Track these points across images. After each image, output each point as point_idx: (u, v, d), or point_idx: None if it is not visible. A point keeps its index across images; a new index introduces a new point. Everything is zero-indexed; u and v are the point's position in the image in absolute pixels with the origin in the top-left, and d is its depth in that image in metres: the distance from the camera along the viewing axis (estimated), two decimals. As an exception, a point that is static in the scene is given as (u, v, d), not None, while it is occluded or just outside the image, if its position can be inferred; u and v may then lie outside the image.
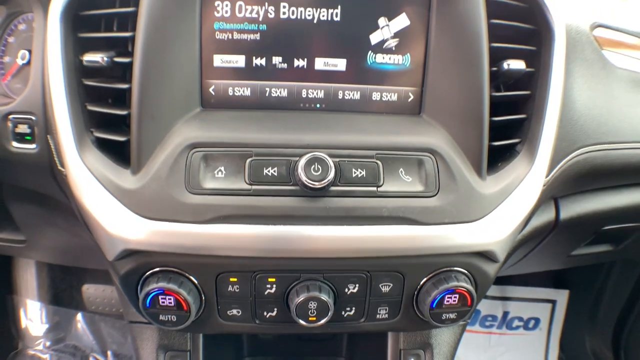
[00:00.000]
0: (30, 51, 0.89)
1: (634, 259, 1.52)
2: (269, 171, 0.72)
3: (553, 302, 1.68)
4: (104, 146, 0.75)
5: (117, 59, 0.73)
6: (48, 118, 0.77)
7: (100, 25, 0.77)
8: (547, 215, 1.04)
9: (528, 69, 0.81)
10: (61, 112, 0.74)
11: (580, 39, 0.95)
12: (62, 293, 1.71)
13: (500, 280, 1.58)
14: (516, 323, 1.79)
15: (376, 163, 0.74)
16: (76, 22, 0.75)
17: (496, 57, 0.79)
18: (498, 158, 0.82)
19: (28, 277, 1.71)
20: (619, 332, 1.68)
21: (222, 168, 0.72)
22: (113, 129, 0.76)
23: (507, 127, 0.82)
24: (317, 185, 0.70)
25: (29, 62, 0.89)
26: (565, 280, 1.64)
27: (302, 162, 0.70)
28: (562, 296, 1.66)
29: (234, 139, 0.73)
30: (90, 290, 1.62)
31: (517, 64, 0.80)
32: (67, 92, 0.74)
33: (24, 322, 1.74)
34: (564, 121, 0.87)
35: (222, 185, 0.71)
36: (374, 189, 0.73)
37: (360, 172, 0.73)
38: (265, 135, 0.74)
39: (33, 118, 0.81)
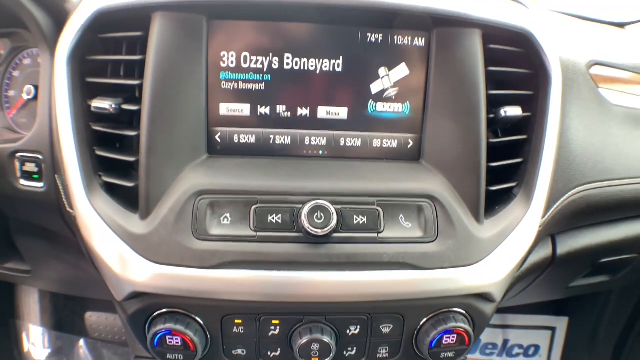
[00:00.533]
0: (36, 87, 0.90)
1: (632, 286, 1.52)
2: (273, 218, 0.74)
3: (553, 329, 1.69)
4: (113, 190, 0.76)
5: (125, 107, 0.75)
6: (56, 158, 0.78)
7: (108, 70, 0.79)
8: (544, 252, 1.05)
9: (525, 114, 0.82)
10: (70, 157, 0.75)
11: (577, 79, 0.96)
12: (64, 319, 1.71)
13: (500, 309, 1.59)
14: (516, 351, 1.80)
15: (377, 210, 0.76)
16: (84, 67, 0.76)
17: (493, 102, 0.82)
18: (495, 201, 0.83)
19: (31, 303, 1.71)
20: (618, 357, 1.68)
21: (228, 215, 0.73)
22: (121, 173, 0.77)
23: (503, 171, 0.84)
24: (320, 232, 0.72)
25: (34, 98, 0.90)
26: (565, 307, 1.65)
27: (306, 210, 0.72)
28: (561, 323, 1.67)
29: (239, 187, 0.74)
30: (92, 318, 1.62)
31: (513, 111, 0.82)
32: (75, 136, 0.75)
33: (26, 347, 1.74)
34: (560, 162, 0.89)
35: (228, 231, 0.73)
36: (375, 235, 0.75)
37: (362, 219, 0.75)
38: (269, 182, 0.75)
39: (40, 157, 0.82)
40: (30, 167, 0.83)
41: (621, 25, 1.39)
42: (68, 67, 0.75)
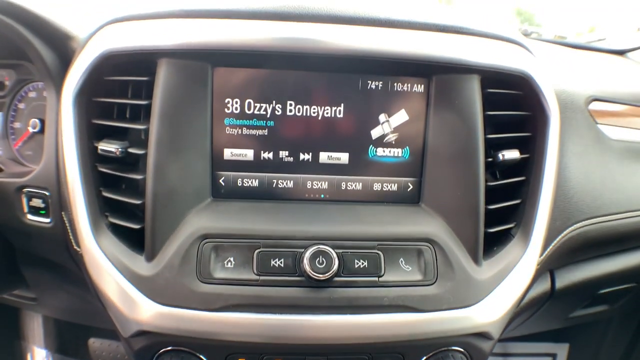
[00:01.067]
0: (41, 120, 0.92)
1: (632, 312, 1.53)
2: (275, 262, 0.75)
3: (553, 356, 1.69)
4: (119, 231, 0.78)
5: (131, 150, 0.76)
6: (62, 196, 0.79)
7: (114, 112, 0.80)
8: (542, 286, 1.06)
9: (523, 155, 0.83)
10: (77, 197, 0.76)
11: (575, 116, 0.97)
12: (68, 343, 1.72)
13: (501, 339, 1.59)
14: (518, 378, 1.79)
15: (377, 254, 0.77)
16: (90, 108, 0.78)
17: (491, 144, 0.83)
18: (493, 241, 0.84)
19: (35, 326, 1.72)
20: (618, 382, 1.68)
21: (232, 259, 0.75)
22: (127, 214, 0.78)
23: (501, 212, 0.85)
24: (322, 277, 0.73)
25: (40, 131, 0.92)
26: (565, 333, 1.66)
27: (307, 254, 0.74)
28: (562, 350, 1.67)
29: (243, 231, 0.75)
30: (96, 344, 1.63)
31: (511, 154, 0.83)
32: (82, 177, 0.77)
33: (30, 368, 1.75)
34: (558, 201, 0.90)
35: (232, 275, 0.74)
36: (376, 279, 0.77)
37: (363, 263, 0.77)
38: (272, 226, 0.76)
39: (47, 193, 0.83)
40: (37, 202, 0.85)
41: (621, 52, 1.41)
42: (74, 109, 0.77)
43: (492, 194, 0.82)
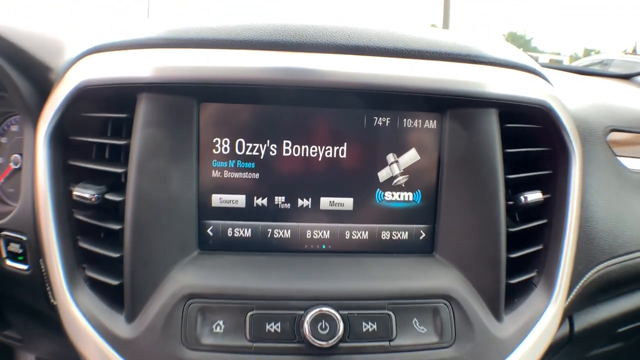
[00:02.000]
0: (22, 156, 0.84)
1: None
2: (271, 327, 0.66)
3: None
4: (97, 286, 0.70)
5: (108, 196, 0.69)
6: (39, 242, 0.72)
7: (93, 152, 0.73)
8: (560, 332, 0.98)
9: (545, 196, 0.77)
10: (51, 246, 0.69)
11: (595, 149, 0.92)
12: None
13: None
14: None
15: (388, 315, 0.69)
16: (66, 147, 0.71)
17: (510, 185, 0.76)
18: (514, 292, 0.77)
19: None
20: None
21: (221, 322, 0.66)
22: (106, 267, 0.71)
23: (521, 259, 0.77)
24: (325, 345, 0.64)
25: (21, 168, 0.84)
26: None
27: (308, 318, 0.65)
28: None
29: (234, 289, 0.67)
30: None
31: (534, 196, 0.76)
32: (56, 224, 0.69)
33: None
34: (580, 243, 0.82)
35: (221, 341, 0.65)
36: (387, 343, 0.68)
37: (372, 326, 0.68)
38: (267, 284, 0.68)
39: (24, 238, 0.76)
40: (14, 247, 0.78)
41: (627, 77, 1.37)
42: (49, 148, 0.69)
43: (512, 240, 0.75)
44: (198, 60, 0.66)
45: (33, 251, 0.75)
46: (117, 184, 0.70)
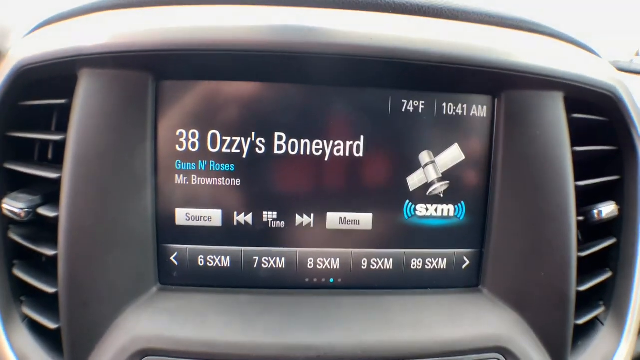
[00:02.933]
0: None
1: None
2: None
3: None
4: (36, 326, 0.59)
5: (41, 211, 0.56)
6: None
7: (35, 150, 0.62)
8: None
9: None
10: None
11: None
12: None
13: None
14: None
15: None
16: (4, 146, 0.60)
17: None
18: (577, 333, 0.64)
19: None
20: None
21: None
22: (46, 303, 0.59)
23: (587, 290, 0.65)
24: None
25: None
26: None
27: None
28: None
29: (205, 345, 0.53)
30: None
31: (608, 209, 0.63)
32: None
33: None
34: None
35: None
36: None
37: None
38: (251, 336, 0.53)
39: None
40: None
41: None
42: None
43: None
44: (153, 20, 0.53)
45: None
46: (56, 193, 0.57)
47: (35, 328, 0.59)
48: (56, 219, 0.55)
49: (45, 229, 0.59)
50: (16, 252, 0.60)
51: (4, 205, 0.58)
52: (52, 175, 0.56)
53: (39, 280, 0.58)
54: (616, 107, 0.62)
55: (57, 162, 0.59)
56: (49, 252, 0.56)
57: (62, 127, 0.58)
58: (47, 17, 0.61)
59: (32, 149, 0.62)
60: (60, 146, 0.57)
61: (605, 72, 0.62)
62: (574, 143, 0.61)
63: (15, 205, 0.56)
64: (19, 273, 0.59)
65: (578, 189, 0.61)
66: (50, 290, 0.56)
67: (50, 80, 0.57)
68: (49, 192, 0.59)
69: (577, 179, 0.61)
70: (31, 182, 0.60)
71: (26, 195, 0.58)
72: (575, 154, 0.60)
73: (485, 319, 0.59)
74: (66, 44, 0.54)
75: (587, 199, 0.64)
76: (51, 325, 0.57)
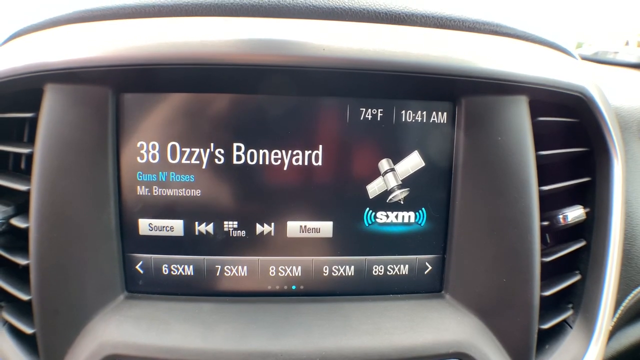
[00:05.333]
0: None
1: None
2: None
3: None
4: (15, 331, 0.59)
5: (14, 222, 0.56)
6: None
7: (9, 161, 0.62)
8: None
9: (586, 210, 0.64)
10: None
11: (630, 148, 0.80)
12: None
13: None
14: None
15: None
16: None
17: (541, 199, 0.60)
18: (544, 337, 0.63)
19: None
20: None
21: None
22: (25, 309, 0.59)
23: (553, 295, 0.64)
24: None
25: None
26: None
27: None
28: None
29: (169, 351, 0.53)
30: None
31: (575, 213, 0.62)
32: None
33: None
34: (621, 269, 0.68)
35: None
36: None
37: None
38: (214, 343, 0.53)
39: None
40: None
41: (637, 66, 1.24)
42: None
43: (542, 270, 0.60)
44: (110, 34, 0.53)
45: None
46: (27, 204, 0.57)
47: (14, 332, 0.59)
48: (27, 229, 0.55)
49: (20, 238, 0.59)
50: None
51: None
52: (22, 187, 0.56)
53: (15, 288, 0.58)
54: (586, 107, 0.60)
55: (28, 173, 0.58)
56: (22, 262, 0.56)
57: (33, 140, 0.57)
58: (15, 30, 0.60)
59: (5, 159, 0.62)
60: (31, 158, 0.57)
61: (574, 72, 0.60)
62: (542, 146, 0.59)
63: None
64: None
65: (543, 194, 0.59)
66: (24, 297, 0.56)
67: (18, 93, 0.57)
68: (22, 203, 0.58)
69: (546, 182, 0.60)
70: (5, 192, 0.59)
71: (0, 207, 0.58)
72: (540, 158, 0.59)
73: (446, 325, 0.58)
74: (30, 59, 0.54)
75: (560, 201, 0.63)
76: (27, 330, 0.57)
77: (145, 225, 0.57)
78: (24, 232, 0.57)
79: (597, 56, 1.35)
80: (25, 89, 0.56)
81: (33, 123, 0.57)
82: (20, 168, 0.61)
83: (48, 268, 0.55)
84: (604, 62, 1.34)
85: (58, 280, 0.56)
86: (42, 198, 0.54)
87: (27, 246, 0.57)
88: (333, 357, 0.54)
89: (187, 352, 0.52)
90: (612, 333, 0.80)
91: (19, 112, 0.57)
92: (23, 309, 0.59)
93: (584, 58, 1.35)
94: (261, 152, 0.55)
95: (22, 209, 0.58)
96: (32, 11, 0.63)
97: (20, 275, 0.60)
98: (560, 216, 0.61)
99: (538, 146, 0.59)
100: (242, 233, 0.58)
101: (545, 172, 0.61)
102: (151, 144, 0.55)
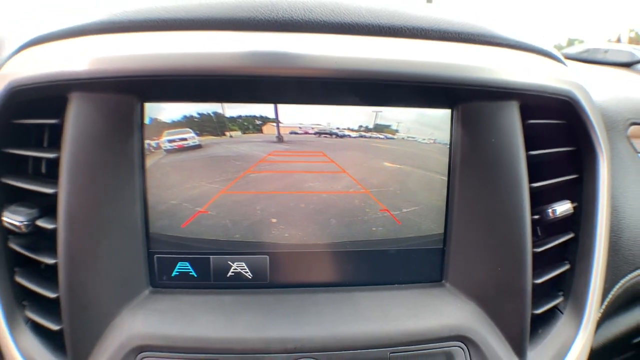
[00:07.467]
0: None
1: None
2: None
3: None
4: (39, 328, 0.61)
5: (40, 223, 0.58)
6: None
7: (28, 167, 0.64)
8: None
9: (573, 205, 0.67)
10: None
11: (617, 146, 0.82)
12: None
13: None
14: None
15: None
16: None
17: (532, 195, 0.64)
18: (537, 322, 0.67)
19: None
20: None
21: None
22: (48, 307, 0.61)
23: (546, 282, 0.67)
24: None
25: None
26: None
27: None
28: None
29: (195, 340, 0.56)
30: None
31: (563, 208, 0.66)
32: None
33: None
34: (609, 259, 0.74)
35: None
36: None
37: None
38: (236, 332, 0.56)
39: None
40: None
41: (627, 65, 1.27)
42: None
43: (534, 259, 0.64)
44: (138, 45, 0.55)
45: None
46: (52, 206, 0.58)
47: (38, 330, 0.61)
48: (54, 230, 0.57)
49: (42, 238, 0.61)
50: (16, 259, 0.62)
51: (4, 219, 0.59)
52: (48, 190, 0.57)
53: (40, 286, 0.59)
54: (573, 109, 0.63)
55: (50, 176, 0.60)
56: (49, 261, 0.58)
57: (54, 144, 0.59)
58: (37, 36, 0.61)
59: (25, 163, 0.63)
60: (52, 162, 0.59)
61: (561, 76, 0.63)
62: (534, 146, 0.63)
63: (15, 219, 0.58)
64: (21, 280, 0.61)
65: (534, 190, 0.63)
66: (51, 295, 0.58)
67: (41, 100, 0.58)
68: (46, 205, 0.59)
69: (536, 179, 0.63)
70: (25, 194, 0.61)
71: (24, 209, 0.59)
72: (531, 157, 0.63)
73: (447, 311, 0.61)
74: (56, 67, 0.55)
75: (552, 197, 0.67)
76: (54, 327, 0.59)
77: None
78: (47, 233, 0.58)
79: (587, 54, 1.38)
80: (48, 97, 0.57)
81: (54, 128, 0.59)
82: (41, 171, 0.63)
83: (76, 266, 0.57)
84: (594, 61, 1.37)
85: (86, 278, 0.57)
86: (70, 200, 0.56)
87: (50, 246, 0.58)
88: (346, 342, 0.57)
89: (212, 341, 0.55)
90: (602, 320, 0.83)
91: (42, 119, 0.59)
92: (46, 307, 0.61)
93: (575, 58, 1.38)
94: (281, 152, 0.59)
95: (45, 211, 0.60)
96: (51, 18, 0.64)
97: (42, 274, 0.62)
98: (550, 210, 0.64)
99: (530, 146, 0.62)
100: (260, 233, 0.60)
101: (538, 169, 0.65)
102: None
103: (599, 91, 0.88)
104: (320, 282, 0.63)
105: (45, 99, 0.57)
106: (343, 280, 0.63)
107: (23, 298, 0.62)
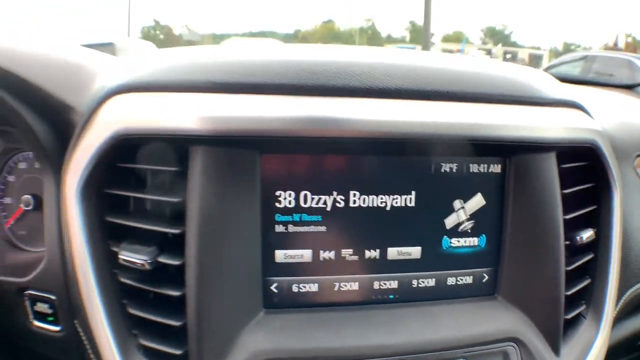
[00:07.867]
0: (34, 196, 0.79)
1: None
2: None
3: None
4: (154, 355, 0.64)
5: (163, 260, 0.62)
6: (73, 300, 0.65)
7: (130, 204, 0.67)
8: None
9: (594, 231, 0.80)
10: (95, 312, 0.62)
11: (626, 177, 0.94)
12: None
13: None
14: None
15: None
16: (101, 201, 0.64)
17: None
18: (566, 326, 0.79)
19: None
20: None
21: None
22: (161, 333, 0.65)
23: (573, 294, 0.80)
24: None
25: (35, 209, 0.79)
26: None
27: None
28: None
29: (312, 351, 0.64)
30: None
31: (587, 234, 0.79)
32: (99, 288, 0.62)
33: None
34: (621, 273, 0.85)
35: None
36: None
37: None
38: (343, 342, 0.66)
39: (53, 297, 0.69)
40: (42, 307, 0.71)
41: (629, 87, 1.38)
42: (81, 204, 0.62)
43: (565, 276, 0.77)
44: (258, 109, 0.61)
45: (65, 311, 0.69)
46: (169, 243, 0.63)
47: (152, 356, 0.64)
48: (179, 266, 0.62)
49: (155, 274, 0.64)
50: (124, 293, 0.65)
51: (121, 257, 0.62)
52: (175, 230, 0.62)
53: (162, 316, 0.63)
54: (595, 153, 0.75)
55: (160, 216, 0.65)
56: (175, 293, 0.62)
57: (161, 187, 0.65)
58: (138, 82, 0.63)
59: (123, 202, 0.66)
60: (164, 204, 0.64)
61: (588, 127, 0.74)
62: (563, 185, 0.75)
63: (137, 257, 0.61)
64: (135, 311, 0.64)
65: (565, 221, 0.76)
66: (177, 323, 0.62)
67: (152, 149, 0.62)
68: (160, 242, 0.63)
69: (565, 212, 0.75)
70: (129, 231, 0.64)
71: (140, 247, 0.62)
72: (564, 195, 0.75)
73: (501, 318, 0.72)
74: (179, 123, 0.58)
75: (573, 224, 0.76)
76: (177, 351, 0.62)
77: (281, 255, 0.67)
78: (160, 269, 0.63)
79: (585, 59, 1.48)
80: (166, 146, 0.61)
81: (167, 174, 0.64)
82: (144, 210, 0.67)
83: (205, 296, 0.61)
84: (599, 84, 1.49)
85: (213, 304, 0.62)
86: (198, 239, 0.60)
87: (166, 278, 0.63)
88: (429, 346, 0.66)
89: (327, 350, 0.63)
90: (614, 324, 0.91)
91: (162, 165, 0.63)
92: (160, 334, 0.64)
93: (580, 81, 1.49)
94: (371, 197, 0.69)
95: (163, 248, 0.63)
96: (146, 65, 0.66)
97: (152, 304, 0.65)
98: (578, 237, 0.75)
99: (563, 184, 0.75)
100: (355, 258, 0.69)
101: (564, 202, 0.76)
102: (287, 192, 0.66)
103: (608, 119, 0.99)
104: (403, 299, 0.75)
105: (158, 148, 0.61)
106: (418, 297, 0.75)
107: (133, 328, 0.65)
